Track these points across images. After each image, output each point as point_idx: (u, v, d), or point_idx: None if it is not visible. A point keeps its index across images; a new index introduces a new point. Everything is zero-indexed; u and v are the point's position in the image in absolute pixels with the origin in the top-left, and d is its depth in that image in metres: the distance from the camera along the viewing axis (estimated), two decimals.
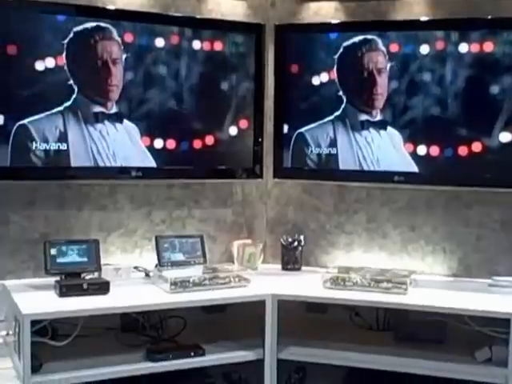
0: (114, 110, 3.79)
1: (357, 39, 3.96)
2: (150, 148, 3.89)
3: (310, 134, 4.08)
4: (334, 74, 4.00)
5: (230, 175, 4.16)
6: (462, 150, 3.78)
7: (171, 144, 3.93)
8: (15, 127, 3.53)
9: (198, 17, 4.06)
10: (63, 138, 3.66)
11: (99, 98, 3.76)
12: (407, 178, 3.91)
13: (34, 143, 3.57)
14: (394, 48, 3.89)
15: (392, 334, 3.85)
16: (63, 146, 3.65)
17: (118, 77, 3.77)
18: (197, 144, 3.99)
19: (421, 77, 3.84)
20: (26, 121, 3.56)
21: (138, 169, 3.85)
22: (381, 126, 3.95)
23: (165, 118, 3.92)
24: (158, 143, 3.90)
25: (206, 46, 3.97)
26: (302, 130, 4.09)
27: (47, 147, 3.61)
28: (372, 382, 3.63)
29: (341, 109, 4.02)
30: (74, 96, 3.67)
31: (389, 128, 3.93)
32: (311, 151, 4.08)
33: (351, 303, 3.67)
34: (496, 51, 3.69)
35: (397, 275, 3.72)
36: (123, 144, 3.83)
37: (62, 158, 3.66)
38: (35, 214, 3.76)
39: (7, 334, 3.42)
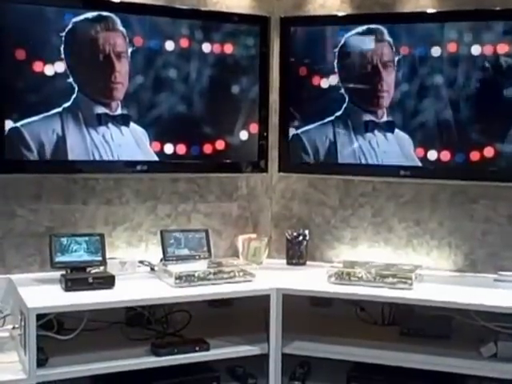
0: (120, 111, 3.73)
1: (360, 29, 3.95)
2: (160, 153, 3.87)
3: (316, 128, 4.07)
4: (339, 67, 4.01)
5: (235, 169, 4.15)
6: (474, 156, 3.76)
7: (181, 149, 3.91)
8: (7, 130, 3.46)
9: (202, 9, 4.05)
10: (61, 142, 3.57)
11: (102, 98, 3.69)
12: (413, 172, 3.89)
13: (28, 149, 3.49)
14: (402, 40, 3.87)
15: (397, 329, 3.85)
16: (61, 152, 3.58)
17: (122, 73, 3.72)
18: (202, 138, 3.97)
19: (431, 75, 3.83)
20: (18, 124, 3.47)
21: (143, 163, 3.83)
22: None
23: (171, 117, 3.88)
24: (169, 148, 3.88)
25: (211, 38, 3.95)
26: (308, 124, 4.08)
27: (42, 154, 3.54)
28: (377, 377, 3.62)
29: (342, 108, 4.01)
30: (73, 96, 3.59)
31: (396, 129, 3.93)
32: (316, 145, 4.07)
33: (356, 298, 3.67)
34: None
35: (402, 270, 3.71)
36: (129, 149, 3.78)
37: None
38: (41, 208, 3.76)
39: (13, 328, 3.44)
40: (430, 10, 3.89)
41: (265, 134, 4.16)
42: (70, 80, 3.57)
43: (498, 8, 3.71)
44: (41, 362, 3.13)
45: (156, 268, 3.83)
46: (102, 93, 3.68)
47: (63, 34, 3.54)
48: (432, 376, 3.48)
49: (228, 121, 4.05)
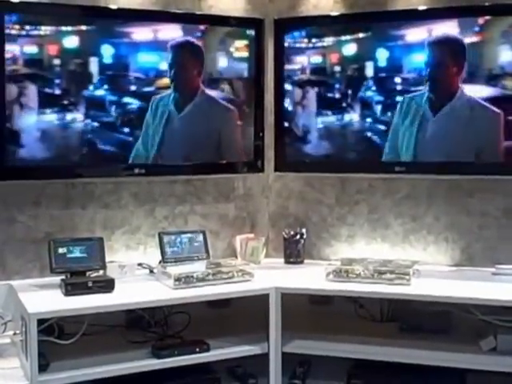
0: None
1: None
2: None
3: (311, 128, 4.09)
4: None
5: (232, 170, 4.16)
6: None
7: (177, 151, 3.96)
8: None
9: (197, 13, 4.07)
10: None
11: None
12: (408, 168, 3.90)
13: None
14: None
15: (396, 325, 3.87)
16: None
17: None
18: (198, 138, 3.99)
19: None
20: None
21: (141, 166, 3.85)
22: None
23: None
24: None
25: (206, 41, 3.97)
26: (303, 123, 4.10)
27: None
28: (377, 373, 3.64)
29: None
30: None
31: None
32: (312, 144, 4.08)
33: (355, 295, 3.69)
34: None
35: (400, 266, 3.72)
36: None
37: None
38: (40, 214, 3.77)
39: (14, 334, 3.44)
40: (422, 7, 3.89)
41: (260, 134, 4.18)
42: None
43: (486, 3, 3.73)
44: (42, 368, 3.14)
45: (155, 270, 3.85)
46: None
47: None
48: (432, 371, 3.50)
49: (223, 122, 4.06)
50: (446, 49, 3.79)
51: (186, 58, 3.95)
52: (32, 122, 3.55)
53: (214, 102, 4.00)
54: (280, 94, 4.18)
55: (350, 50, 3.98)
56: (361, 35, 3.96)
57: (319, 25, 4.07)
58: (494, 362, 3.40)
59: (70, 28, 3.60)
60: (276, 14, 4.21)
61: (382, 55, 3.91)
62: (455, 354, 3.50)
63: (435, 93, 3.80)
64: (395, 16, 3.95)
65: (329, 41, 4.02)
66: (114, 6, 3.79)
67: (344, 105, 4.01)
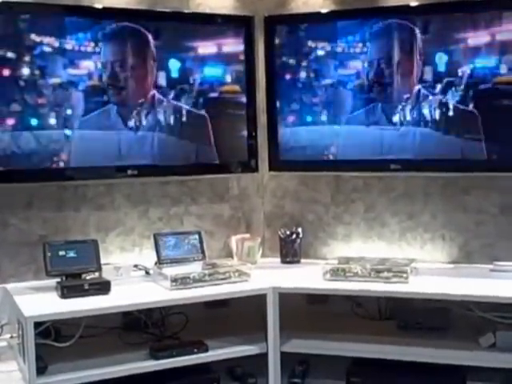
0: None
1: None
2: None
3: (305, 126, 4.07)
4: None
5: (226, 170, 4.14)
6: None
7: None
8: None
9: (185, 11, 4.05)
10: None
11: None
12: (403, 165, 3.89)
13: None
14: None
15: (394, 323, 3.86)
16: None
17: None
18: (191, 138, 3.97)
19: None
20: None
21: (134, 167, 3.82)
22: None
23: None
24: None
25: (195, 40, 3.95)
26: (296, 121, 4.09)
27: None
28: (376, 371, 3.62)
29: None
30: None
31: None
32: (306, 142, 4.07)
33: (352, 294, 3.68)
34: None
35: (397, 264, 3.71)
36: None
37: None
38: (33, 216, 3.75)
39: (11, 337, 3.42)
40: (413, 3, 3.87)
41: (253, 133, 4.16)
42: None
43: None
44: (40, 370, 3.12)
45: (151, 271, 3.83)
46: None
47: None
48: (431, 368, 3.49)
49: (216, 122, 4.03)
50: None
51: (132, 52, 3.82)
52: None
53: (182, 111, 3.94)
54: (272, 92, 4.16)
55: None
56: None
57: (309, 21, 4.04)
58: (494, 359, 3.40)
59: None
60: (265, 12, 4.19)
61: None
62: (454, 351, 3.49)
63: None
64: (386, 12, 3.92)
65: (319, 37, 4.01)
66: (98, 5, 3.76)
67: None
